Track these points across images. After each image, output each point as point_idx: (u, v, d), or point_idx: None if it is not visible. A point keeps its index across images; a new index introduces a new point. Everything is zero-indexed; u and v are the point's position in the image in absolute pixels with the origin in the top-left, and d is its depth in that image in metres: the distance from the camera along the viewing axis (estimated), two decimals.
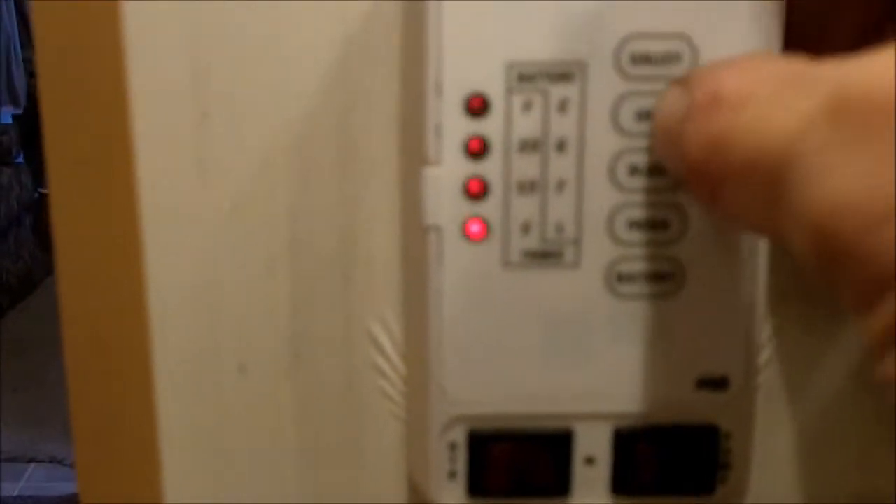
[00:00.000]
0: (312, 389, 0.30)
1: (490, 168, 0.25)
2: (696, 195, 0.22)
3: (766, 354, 0.29)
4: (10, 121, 3.18)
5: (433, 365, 0.26)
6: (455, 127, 0.25)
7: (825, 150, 0.18)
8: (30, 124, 3.21)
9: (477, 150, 0.25)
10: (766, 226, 0.20)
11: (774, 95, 0.19)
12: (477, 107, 0.25)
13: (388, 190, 0.28)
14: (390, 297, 0.29)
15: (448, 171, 0.25)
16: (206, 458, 0.30)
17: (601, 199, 0.25)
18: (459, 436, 0.27)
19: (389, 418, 0.30)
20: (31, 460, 2.26)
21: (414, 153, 0.26)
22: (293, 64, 0.27)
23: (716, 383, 0.27)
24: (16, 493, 2.14)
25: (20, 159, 3.19)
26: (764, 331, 0.29)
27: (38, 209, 3.30)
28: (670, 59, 0.24)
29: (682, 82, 0.23)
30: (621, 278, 0.26)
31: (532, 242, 0.26)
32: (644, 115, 0.25)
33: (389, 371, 0.29)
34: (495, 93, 0.25)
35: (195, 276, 0.29)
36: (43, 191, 3.46)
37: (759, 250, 0.26)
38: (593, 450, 0.27)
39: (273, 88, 0.27)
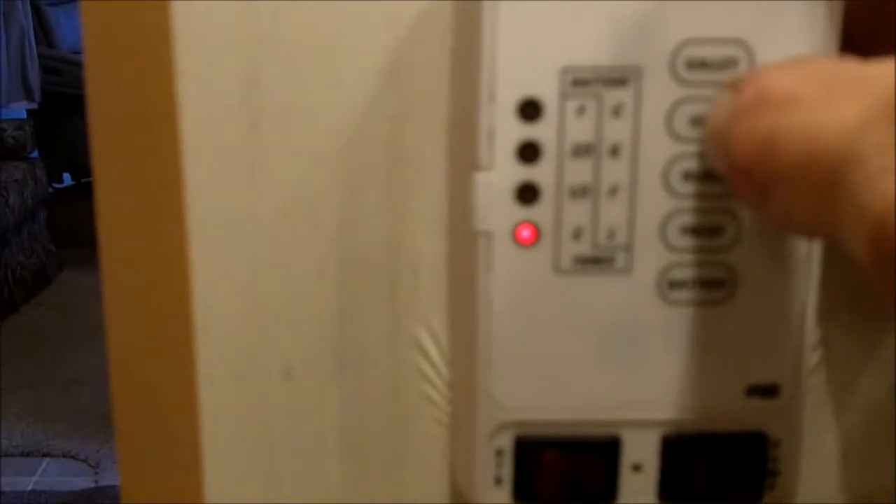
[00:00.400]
0: (358, 395, 0.29)
1: (542, 173, 0.25)
2: (745, 197, 0.21)
3: (814, 360, 0.29)
4: (24, 116, 3.19)
5: (481, 371, 0.26)
6: (507, 131, 0.25)
7: (885, 150, 0.17)
8: (44, 119, 3.22)
9: (518, 155, 0.25)
10: (818, 227, 0.20)
11: (825, 94, 0.19)
12: (530, 111, 0.25)
13: (436, 196, 0.28)
14: (437, 304, 0.29)
15: (500, 175, 0.25)
16: (250, 463, 0.30)
17: (654, 205, 0.25)
18: (506, 442, 0.27)
19: (434, 424, 0.30)
20: (44, 455, 2.27)
21: (464, 158, 0.26)
22: (343, 70, 0.27)
23: (765, 391, 0.26)
24: (30, 488, 2.15)
25: (34, 154, 3.20)
26: (813, 338, 0.29)
27: (52, 204, 3.31)
28: (727, 64, 0.24)
29: (732, 85, 0.22)
30: (673, 285, 0.26)
31: (583, 248, 0.26)
32: (699, 121, 0.25)
33: (434, 377, 0.29)
34: (549, 97, 0.25)
35: (242, 282, 0.29)
36: (57, 186, 3.47)
37: (812, 257, 0.26)
38: (641, 457, 0.27)
39: (323, 95, 0.27)
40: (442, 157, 0.28)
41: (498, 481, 0.27)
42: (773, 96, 0.20)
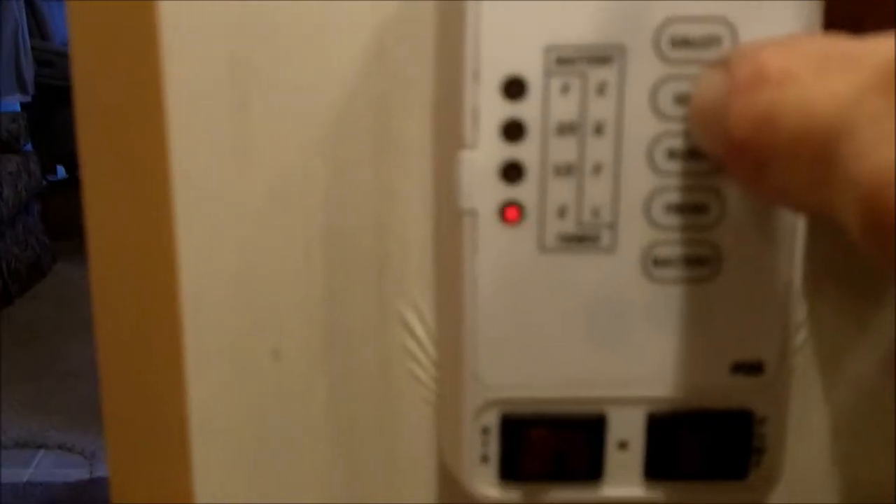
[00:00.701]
0: (345, 375, 0.30)
1: (527, 151, 0.25)
2: (740, 175, 0.21)
3: (800, 338, 0.29)
4: (18, 108, 3.18)
5: (467, 349, 0.26)
6: (492, 110, 0.25)
7: (878, 121, 0.17)
8: (38, 112, 3.22)
9: (504, 133, 0.25)
10: (813, 202, 0.20)
11: (819, 70, 0.19)
12: (514, 90, 0.25)
13: (422, 176, 0.28)
14: (423, 283, 0.29)
15: (484, 154, 0.25)
16: (239, 443, 0.30)
17: (638, 183, 0.25)
18: (492, 420, 0.27)
19: (421, 403, 0.30)
20: (39, 447, 2.27)
21: (449, 137, 0.26)
22: (330, 50, 0.27)
23: (751, 368, 0.26)
24: (25, 480, 2.15)
25: (28, 147, 3.20)
26: (799, 315, 0.29)
27: (46, 197, 3.30)
28: (710, 42, 0.24)
29: (721, 64, 0.22)
30: (658, 262, 0.26)
31: (568, 226, 0.26)
32: (683, 99, 0.25)
33: (421, 356, 0.29)
34: (533, 76, 0.25)
35: (229, 263, 0.29)
36: (51, 178, 3.46)
37: (797, 234, 0.26)
38: (627, 434, 0.27)
39: (309, 76, 0.27)
40: (428, 138, 0.28)
41: (484, 459, 0.27)
42: (769, 73, 0.20)
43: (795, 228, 0.26)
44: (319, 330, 0.29)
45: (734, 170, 0.21)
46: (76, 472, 2.17)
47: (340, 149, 0.28)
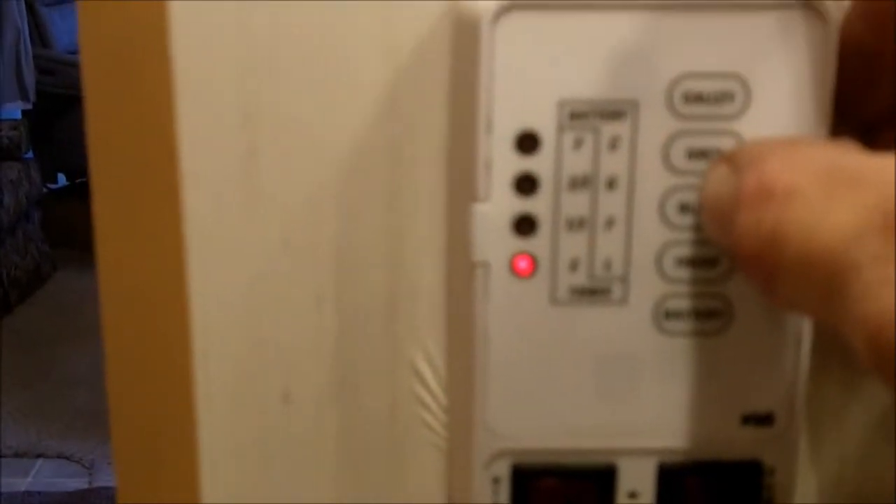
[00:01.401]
0: (355, 420, 0.30)
1: (539, 205, 0.25)
2: (753, 282, 0.22)
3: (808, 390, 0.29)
4: (19, 116, 3.18)
5: (478, 399, 0.27)
6: (505, 163, 0.25)
7: (878, 264, 0.18)
8: (39, 120, 3.22)
9: (515, 187, 0.25)
10: (823, 318, 0.20)
11: (825, 188, 0.19)
12: (527, 144, 0.25)
13: (434, 223, 0.28)
14: (434, 330, 0.29)
15: (497, 207, 0.25)
16: (247, 486, 0.30)
17: (650, 237, 0.25)
18: (503, 469, 0.27)
19: (431, 449, 0.30)
20: (38, 456, 2.27)
21: (462, 188, 0.26)
22: (341, 98, 0.27)
23: (761, 419, 0.27)
24: (24, 489, 2.14)
25: (29, 155, 3.20)
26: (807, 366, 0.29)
27: (47, 205, 3.30)
28: (723, 98, 0.24)
29: (728, 161, 0.23)
30: (669, 315, 0.26)
31: (580, 279, 0.26)
32: (695, 154, 0.25)
33: (431, 403, 0.29)
34: (546, 130, 0.25)
35: (240, 307, 0.29)
36: (51, 186, 3.46)
37: None
38: (637, 485, 0.27)
39: (321, 122, 0.27)
40: (440, 186, 0.28)
41: None
42: (775, 188, 0.20)
43: None
44: (330, 374, 0.29)
45: (747, 277, 0.22)
46: (75, 482, 2.17)
47: (351, 195, 0.28)
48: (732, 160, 0.22)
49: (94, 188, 0.28)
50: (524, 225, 0.25)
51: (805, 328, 0.26)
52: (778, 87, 0.24)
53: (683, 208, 0.25)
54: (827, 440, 0.30)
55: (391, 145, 0.28)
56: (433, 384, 0.29)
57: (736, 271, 0.26)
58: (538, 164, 0.25)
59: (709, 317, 0.26)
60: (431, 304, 0.29)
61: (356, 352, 0.29)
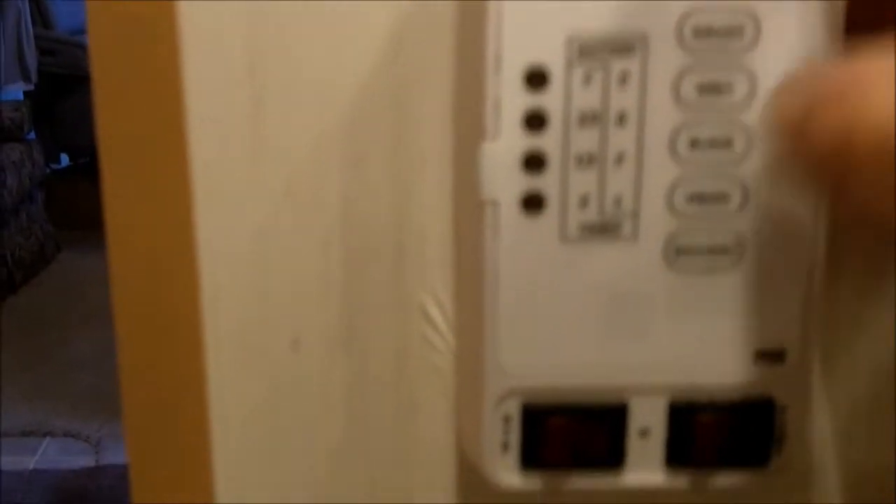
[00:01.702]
0: (364, 365, 0.30)
1: (549, 142, 0.25)
2: (825, 188, 0.21)
3: (821, 326, 0.29)
4: (21, 97, 3.18)
5: (488, 338, 0.27)
6: (514, 101, 0.25)
7: None
8: (41, 100, 3.21)
9: (526, 123, 0.25)
10: None
11: None
12: (536, 80, 0.25)
13: (442, 165, 0.28)
14: (443, 273, 0.29)
15: (506, 145, 0.25)
16: (258, 431, 0.30)
17: (660, 173, 0.25)
18: (513, 408, 0.27)
19: (440, 393, 0.30)
20: (45, 434, 2.27)
21: (470, 129, 0.26)
22: (346, 43, 0.27)
23: (773, 356, 0.27)
24: (31, 467, 2.15)
25: (31, 135, 3.19)
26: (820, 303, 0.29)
27: (50, 185, 3.30)
28: (733, 32, 0.24)
29: (802, 78, 0.22)
30: (680, 251, 0.26)
31: (590, 216, 0.26)
32: (705, 88, 0.25)
33: (441, 345, 0.29)
34: (555, 66, 0.25)
35: (248, 255, 0.29)
36: (54, 167, 3.46)
37: (820, 223, 0.26)
38: (648, 422, 0.27)
39: (327, 68, 0.27)
40: (446, 127, 0.28)
41: (505, 448, 0.27)
42: (849, 85, 0.20)
43: (818, 216, 0.26)
44: (338, 320, 0.29)
45: (819, 182, 0.21)
46: (82, 459, 2.18)
47: (358, 140, 0.28)
48: (806, 76, 0.22)
49: (102, 139, 0.28)
50: (533, 162, 0.25)
51: (818, 265, 0.26)
52: (788, 20, 0.24)
53: (694, 143, 0.25)
54: (840, 377, 0.30)
55: (397, 89, 0.28)
56: (442, 327, 0.29)
57: (746, 207, 0.25)
58: (547, 100, 0.25)
59: (720, 252, 0.26)
60: (439, 246, 0.29)
61: (364, 297, 0.29)
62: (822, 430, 0.30)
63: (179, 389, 0.30)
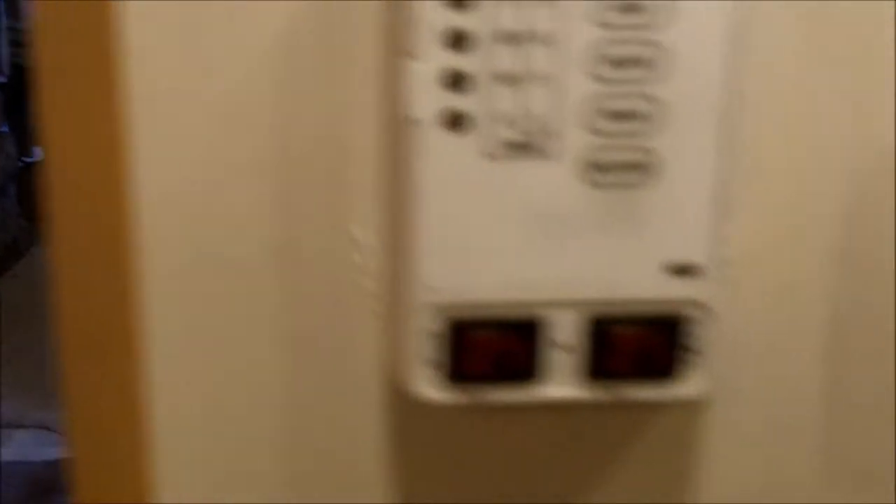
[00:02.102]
0: (295, 287, 0.30)
1: (471, 61, 0.26)
2: None
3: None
4: None
5: (412, 255, 0.27)
6: (436, 20, 0.26)
7: None
8: (13, 93, 3.19)
9: (449, 42, 0.26)
10: None
11: None
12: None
13: (372, 90, 0.29)
14: (370, 197, 0.30)
15: (428, 63, 0.26)
16: (193, 351, 0.31)
17: (580, 91, 0.26)
18: (437, 324, 0.28)
19: (370, 316, 0.30)
20: (19, 426, 2.26)
21: (395, 49, 0.27)
22: None
23: (686, 270, 0.27)
24: (4, 459, 2.14)
25: (4, 128, 3.17)
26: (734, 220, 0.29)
27: (23, 179, 3.28)
28: None
29: None
30: (598, 168, 0.27)
31: (510, 134, 0.26)
32: (626, 9, 0.25)
33: (370, 267, 0.30)
34: None
35: (182, 181, 0.29)
36: (27, 160, 3.44)
37: (736, 143, 0.27)
38: (565, 336, 0.28)
39: None
40: (377, 51, 0.28)
41: (429, 363, 0.28)
42: None
43: (734, 136, 0.27)
44: (269, 242, 0.30)
45: None
46: (56, 451, 2.16)
47: (289, 66, 0.29)
48: None
49: (40, 75, 0.29)
50: (455, 81, 0.26)
51: (733, 183, 0.27)
52: None
53: (613, 63, 0.26)
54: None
55: (326, 13, 0.28)
56: (371, 249, 0.30)
57: (661, 124, 0.26)
58: (469, 19, 0.26)
59: (637, 169, 0.27)
60: (368, 170, 0.29)
61: (294, 220, 0.30)
62: (736, 342, 0.31)
63: (114, 311, 0.30)
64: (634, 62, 0.26)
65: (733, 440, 0.32)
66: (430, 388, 0.28)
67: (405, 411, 0.31)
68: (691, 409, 0.31)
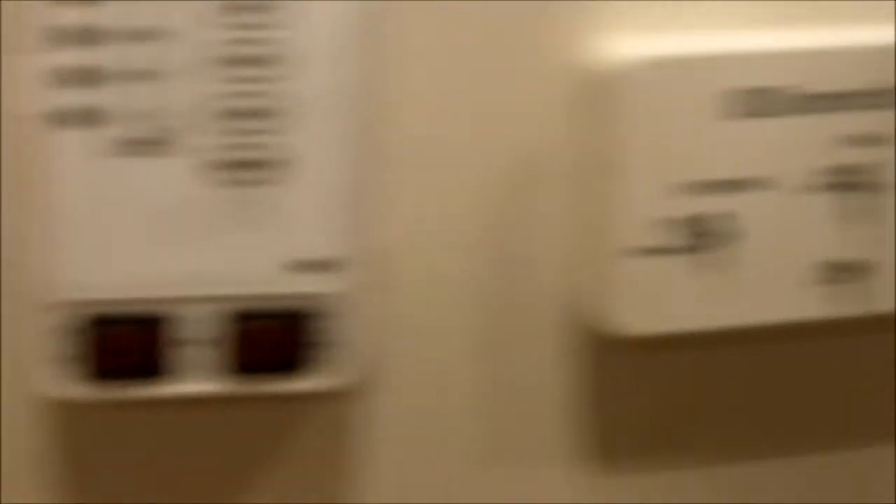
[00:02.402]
0: None
1: (86, 56, 0.25)
2: None
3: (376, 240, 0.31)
4: None
5: (39, 251, 0.27)
6: (42, 15, 0.25)
7: None
8: None
9: (73, 38, 0.25)
10: None
11: None
12: None
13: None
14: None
15: (43, 58, 0.25)
16: None
17: (200, 88, 0.26)
18: (64, 320, 0.27)
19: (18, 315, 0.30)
20: None
21: (13, 44, 0.26)
22: None
23: (316, 266, 0.28)
24: None
25: None
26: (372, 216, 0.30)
27: None
28: None
29: None
30: (221, 166, 0.27)
31: (130, 131, 0.26)
32: (248, 8, 0.26)
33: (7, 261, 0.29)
34: None
35: None
36: None
37: (372, 139, 0.27)
38: (194, 332, 0.28)
39: None
40: None
41: (58, 361, 0.27)
42: None
43: (369, 132, 0.27)
44: None
45: None
46: None
47: None
48: None
49: None
50: (76, 76, 0.25)
51: (371, 178, 0.28)
52: None
53: (234, 61, 0.26)
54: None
55: None
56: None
57: (289, 122, 0.27)
58: (90, 15, 0.25)
59: (262, 167, 0.27)
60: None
61: None
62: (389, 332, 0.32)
63: None
64: (257, 60, 0.26)
65: (390, 430, 0.33)
66: (56, 386, 0.28)
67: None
68: (342, 401, 0.32)
